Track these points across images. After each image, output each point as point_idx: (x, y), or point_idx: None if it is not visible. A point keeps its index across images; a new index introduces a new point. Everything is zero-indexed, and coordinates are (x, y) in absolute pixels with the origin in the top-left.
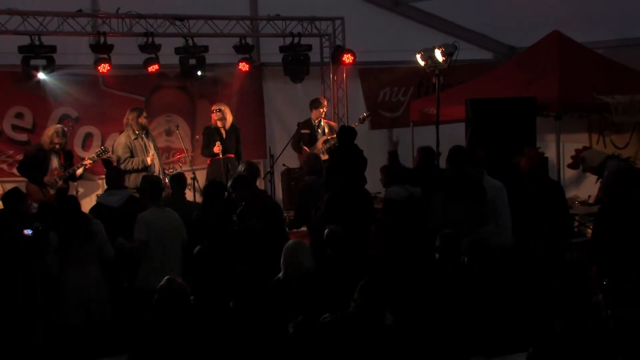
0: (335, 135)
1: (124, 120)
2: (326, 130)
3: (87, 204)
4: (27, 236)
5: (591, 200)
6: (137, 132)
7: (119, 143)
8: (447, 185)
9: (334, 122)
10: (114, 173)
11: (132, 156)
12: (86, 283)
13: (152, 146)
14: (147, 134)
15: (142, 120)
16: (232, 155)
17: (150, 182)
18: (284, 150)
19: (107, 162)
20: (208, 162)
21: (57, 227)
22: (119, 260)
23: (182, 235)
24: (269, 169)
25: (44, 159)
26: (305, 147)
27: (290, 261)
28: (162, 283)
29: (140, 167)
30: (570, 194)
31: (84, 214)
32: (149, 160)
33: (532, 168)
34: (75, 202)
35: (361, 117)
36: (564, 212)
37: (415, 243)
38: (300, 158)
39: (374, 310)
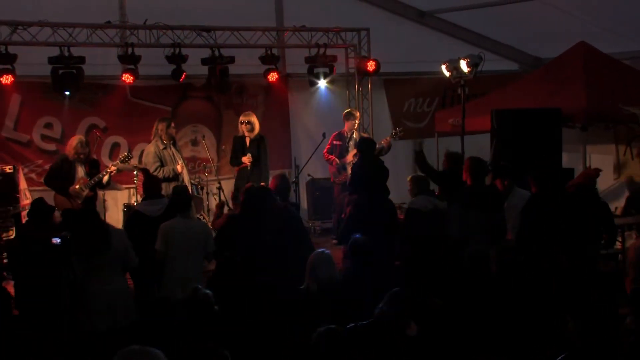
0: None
1: (153, 130)
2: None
3: (114, 213)
4: (55, 244)
5: (618, 212)
6: (165, 142)
7: (149, 152)
8: (466, 197)
9: (365, 133)
10: (152, 182)
11: (162, 165)
12: (109, 291)
13: (180, 156)
14: (175, 144)
15: (171, 130)
16: None
17: (177, 192)
18: (308, 160)
19: (145, 171)
20: (236, 170)
21: (77, 237)
22: (150, 269)
23: (205, 246)
24: (294, 179)
25: (69, 170)
26: (335, 159)
27: (314, 271)
28: (187, 292)
29: (171, 176)
30: None
31: (102, 223)
32: (179, 167)
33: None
34: (93, 212)
35: (393, 131)
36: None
37: (438, 253)
38: (330, 169)
39: (398, 320)
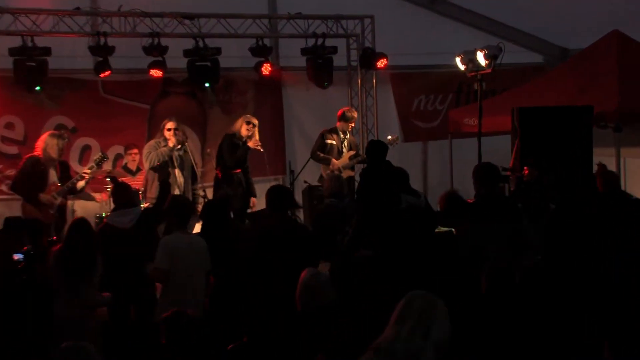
0: (354, 152)
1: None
2: (352, 145)
3: None
4: (17, 261)
5: None
6: (163, 142)
7: (148, 145)
8: (476, 209)
9: (357, 135)
10: (122, 189)
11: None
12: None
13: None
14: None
15: (166, 132)
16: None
17: (178, 203)
18: (305, 165)
19: (114, 179)
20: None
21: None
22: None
23: (208, 265)
24: (289, 186)
25: (42, 174)
26: (334, 160)
27: (308, 294)
28: (167, 315)
29: (160, 160)
30: None
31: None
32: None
33: (609, 189)
34: (89, 228)
35: (390, 137)
36: None
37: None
38: (324, 171)
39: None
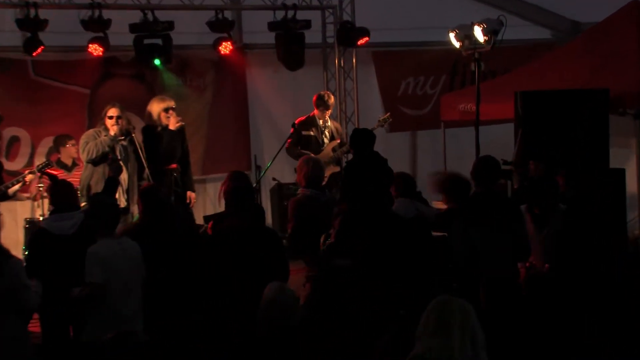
0: (339, 141)
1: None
2: (334, 133)
3: (12, 231)
4: None
5: None
6: (105, 131)
7: (86, 134)
8: (472, 209)
9: (338, 122)
10: (62, 189)
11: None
12: None
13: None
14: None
15: (107, 121)
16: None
17: (102, 204)
18: (274, 159)
19: (52, 177)
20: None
21: None
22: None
23: (143, 272)
24: (254, 184)
25: None
26: (311, 154)
27: (269, 315)
28: (112, 336)
29: (99, 152)
30: None
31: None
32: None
33: None
34: None
35: (381, 118)
36: None
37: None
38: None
39: None
